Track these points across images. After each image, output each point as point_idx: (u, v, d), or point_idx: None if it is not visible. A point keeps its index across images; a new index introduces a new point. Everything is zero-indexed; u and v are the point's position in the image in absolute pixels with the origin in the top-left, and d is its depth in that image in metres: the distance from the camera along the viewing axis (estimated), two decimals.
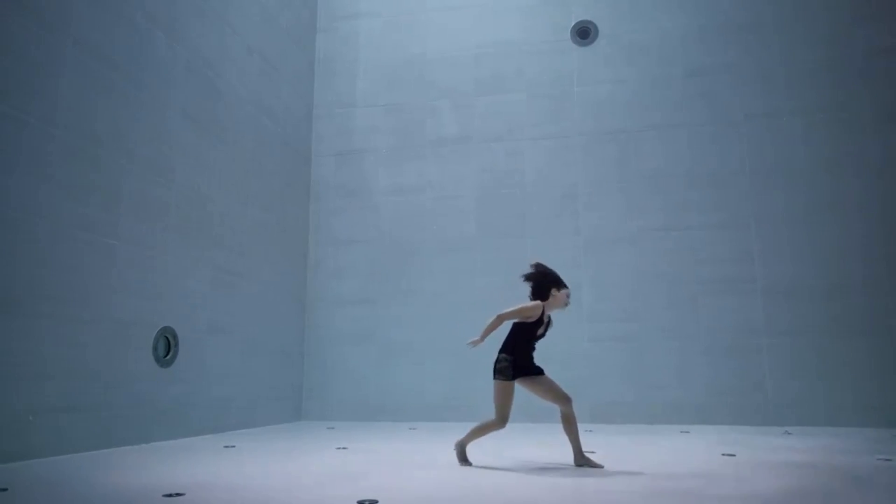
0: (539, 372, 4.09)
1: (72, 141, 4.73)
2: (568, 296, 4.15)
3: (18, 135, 4.30)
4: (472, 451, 4.22)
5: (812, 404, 6.74)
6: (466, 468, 3.97)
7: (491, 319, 4.01)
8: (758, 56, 7.55)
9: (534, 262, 4.20)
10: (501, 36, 8.31)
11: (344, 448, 4.98)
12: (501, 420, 3.97)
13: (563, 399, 4.02)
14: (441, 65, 8.40)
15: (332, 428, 6.78)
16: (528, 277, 4.18)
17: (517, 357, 4.01)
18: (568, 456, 4.09)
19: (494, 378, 4.03)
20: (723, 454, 4.51)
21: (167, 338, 5.64)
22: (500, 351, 4.07)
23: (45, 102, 4.52)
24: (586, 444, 4.91)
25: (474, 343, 4.03)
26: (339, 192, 8.37)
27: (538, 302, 4.06)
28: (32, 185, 4.38)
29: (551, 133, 7.94)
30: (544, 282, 4.11)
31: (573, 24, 8.13)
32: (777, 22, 7.57)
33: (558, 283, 4.12)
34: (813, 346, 6.85)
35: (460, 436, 4.26)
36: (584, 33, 8.08)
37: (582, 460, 4.01)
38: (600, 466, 3.96)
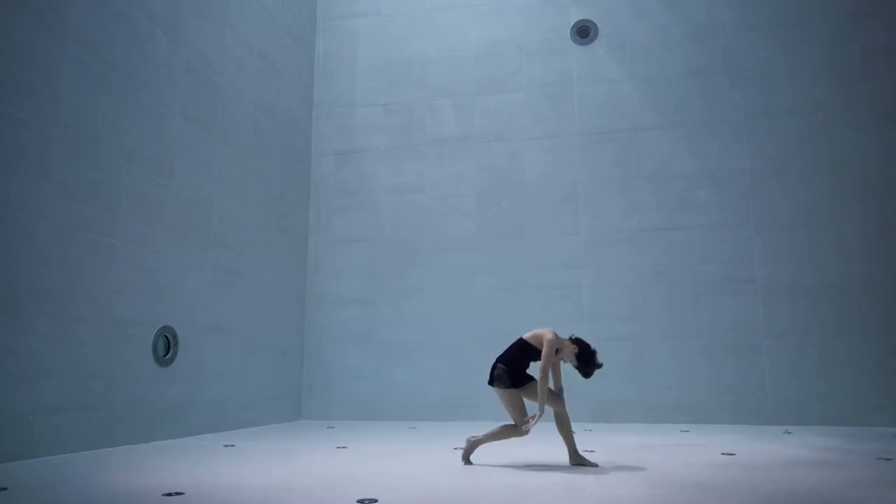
0: (530, 379, 4.10)
1: (72, 141, 4.73)
2: (570, 361, 4.00)
3: (18, 135, 4.30)
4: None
5: (812, 404, 6.74)
6: (466, 467, 3.97)
7: (540, 384, 3.86)
8: (758, 56, 7.54)
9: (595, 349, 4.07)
10: (501, 36, 8.31)
11: (344, 448, 4.98)
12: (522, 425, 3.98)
13: (556, 401, 4.04)
14: (441, 64, 8.40)
15: (332, 428, 6.78)
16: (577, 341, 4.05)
17: (512, 369, 4.01)
18: (566, 456, 4.09)
19: (492, 384, 4.05)
20: (723, 454, 4.51)
21: (167, 337, 5.64)
22: (499, 360, 4.07)
23: (45, 102, 4.52)
24: (586, 443, 4.92)
25: (534, 421, 3.88)
26: (339, 192, 8.37)
27: (556, 337, 3.97)
28: (32, 184, 4.39)
29: (551, 133, 7.94)
30: (581, 346, 3.99)
31: (573, 23, 8.12)
32: (777, 22, 7.57)
33: (582, 356, 3.96)
34: (812, 346, 6.85)
35: (461, 435, 4.26)
36: (584, 33, 8.07)
37: (578, 459, 4.03)
38: (595, 465, 3.98)
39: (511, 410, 4.01)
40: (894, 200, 6.94)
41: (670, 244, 7.38)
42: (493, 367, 4.06)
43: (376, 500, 2.91)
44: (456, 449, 4.71)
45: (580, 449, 4.13)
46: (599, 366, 4.00)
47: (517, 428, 3.99)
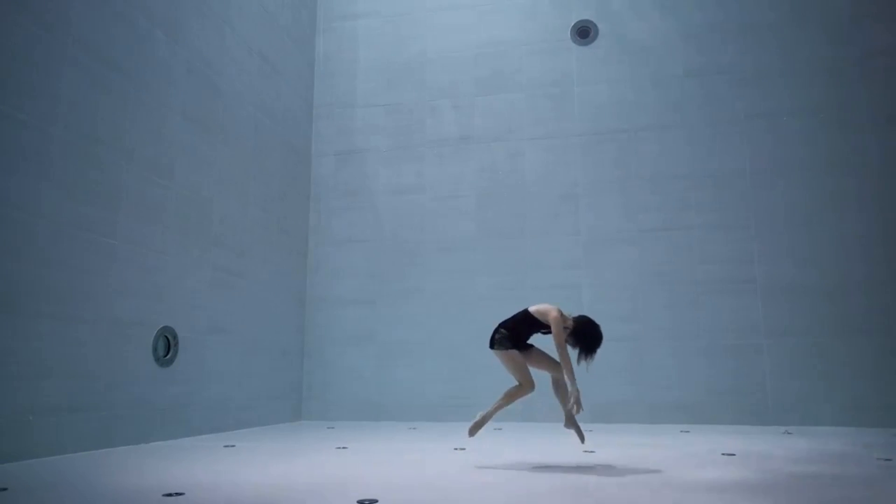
0: (531, 346, 4.18)
1: (72, 141, 4.73)
2: (564, 325, 4.04)
3: (18, 135, 4.30)
4: (472, 450, 4.22)
5: (812, 404, 6.73)
6: (466, 468, 3.96)
7: (564, 364, 3.90)
8: (758, 56, 7.55)
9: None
10: (501, 36, 8.31)
11: (344, 448, 4.98)
12: (528, 384, 4.02)
13: (554, 366, 4.12)
14: (441, 64, 8.40)
15: (332, 428, 6.78)
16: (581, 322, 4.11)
17: (513, 335, 4.07)
18: (567, 456, 4.10)
19: (493, 348, 4.09)
20: (723, 454, 4.51)
21: (167, 338, 5.63)
22: (501, 325, 4.12)
23: (45, 102, 4.52)
24: (587, 444, 4.92)
25: (573, 400, 3.87)
26: (339, 192, 8.37)
27: (561, 315, 4.02)
28: (32, 184, 4.38)
29: (551, 133, 7.94)
30: (581, 329, 4.05)
31: (573, 23, 8.12)
32: (777, 22, 7.57)
33: (579, 329, 4.03)
34: (813, 346, 6.85)
35: (461, 435, 4.26)
36: (584, 33, 8.07)
37: (571, 425, 4.08)
38: (582, 438, 4.07)
39: (514, 371, 4.05)
40: (894, 200, 6.94)
41: (670, 244, 7.38)
42: (495, 332, 4.11)
43: (376, 501, 2.91)
44: (457, 449, 4.71)
45: (568, 448, 4.14)
46: (598, 337, 4.03)
47: (521, 388, 4.02)
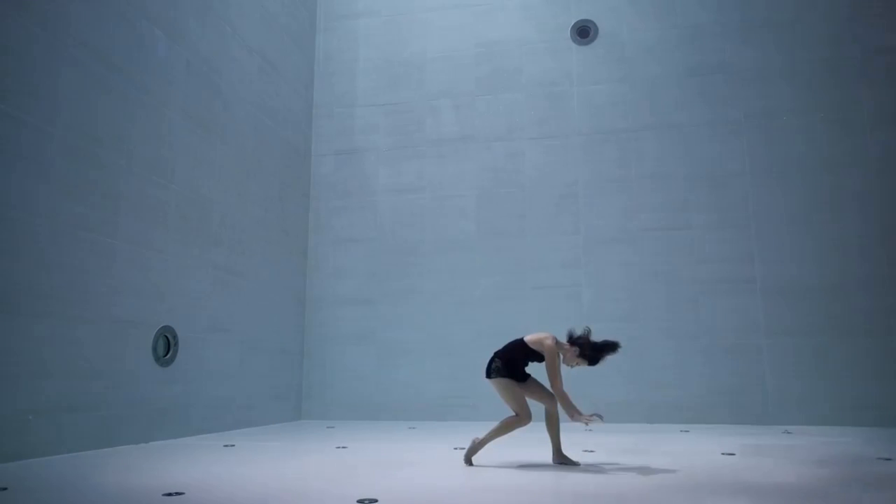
0: (528, 375, 4.11)
1: (71, 141, 4.73)
2: (577, 364, 3.95)
3: (18, 135, 4.30)
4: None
5: (812, 404, 6.73)
6: (466, 467, 3.97)
7: (559, 397, 3.84)
8: (757, 56, 7.54)
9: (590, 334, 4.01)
10: (501, 36, 8.31)
11: (344, 447, 4.98)
12: (524, 415, 3.95)
13: (549, 398, 4.05)
14: (441, 64, 8.40)
15: (332, 427, 6.78)
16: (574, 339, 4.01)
17: (509, 365, 4.02)
18: (569, 455, 4.09)
19: (489, 377, 4.04)
20: (723, 454, 4.51)
21: (167, 337, 5.64)
22: (497, 355, 4.08)
23: (45, 102, 4.52)
24: (586, 443, 4.93)
25: (587, 419, 3.80)
26: (339, 192, 8.37)
27: (556, 344, 3.95)
28: (32, 185, 4.39)
29: (551, 133, 7.93)
30: (582, 346, 3.96)
31: (573, 23, 8.12)
32: (777, 22, 7.56)
33: (587, 355, 3.92)
34: (813, 346, 6.85)
35: (461, 435, 4.26)
36: (584, 33, 8.07)
37: (561, 458, 4.05)
38: (577, 464, 4.00)
39: (510, 401, 3.99)
40: (894, 200, 6.94)
41: (670, 244, 7.38)
42: (491, 361, 4.06)
43: (376, 500, 2.91)
44: (456, 449, 4.71)
45: (568, 449, 4.13)
46: (614, 348, 3.91)
47: (518, 419, 3.96)
